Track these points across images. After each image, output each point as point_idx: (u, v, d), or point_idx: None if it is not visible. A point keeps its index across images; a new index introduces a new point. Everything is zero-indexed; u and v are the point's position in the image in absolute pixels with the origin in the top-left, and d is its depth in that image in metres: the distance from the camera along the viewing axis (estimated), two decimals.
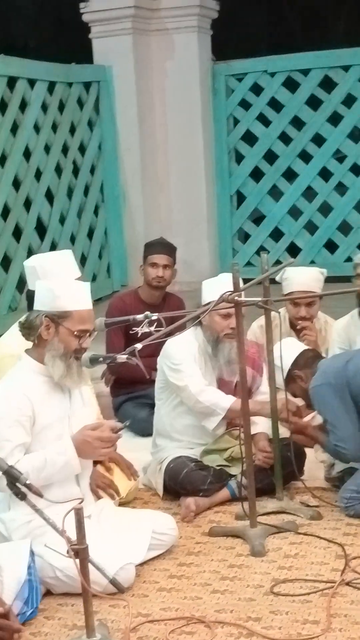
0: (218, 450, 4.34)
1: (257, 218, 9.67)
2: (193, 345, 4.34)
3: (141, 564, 3.61)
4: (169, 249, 5.56)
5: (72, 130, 8.72)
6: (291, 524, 3.95)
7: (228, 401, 4.27)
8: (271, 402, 4.22)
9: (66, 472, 3.54)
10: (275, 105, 9.34)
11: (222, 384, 4.38)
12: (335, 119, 9.19)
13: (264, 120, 9.39)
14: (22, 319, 3.64)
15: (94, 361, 3.68)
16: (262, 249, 9.06)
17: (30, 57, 8.37)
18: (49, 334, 3.54)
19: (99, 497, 3.91)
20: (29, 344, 3.64)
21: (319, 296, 4.88)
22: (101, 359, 3.72)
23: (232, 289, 3.78)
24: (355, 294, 4.47)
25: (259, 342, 4.51)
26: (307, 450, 4.51)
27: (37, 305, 3.59)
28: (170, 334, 3.94)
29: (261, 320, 4.98)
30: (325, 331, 5.04)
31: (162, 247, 5.56)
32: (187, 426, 4.41)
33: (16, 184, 7.88)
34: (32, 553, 3.37)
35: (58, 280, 3.75)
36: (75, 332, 3.53)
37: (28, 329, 3.59)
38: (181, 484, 4.21)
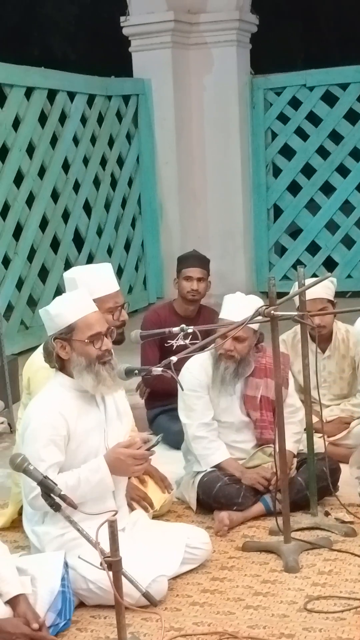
0: (252, 467, 4.33)
1: (294, 232, 9.66)
2: (208, 364, 4.29)
3: (174, 578, 3.60)
4: (203, 262, 5.56)
5: (111, 142, 8.78)
6: (325, 541, 3.92)
7: (217, 458, 4.26)
8: (307, 417, 4.20)
9: (100, 490, 3.53)
10: (313, 119, 9.34)
11: (246, 400, 4.36)
12: None
13: (301, 134, 9.40)
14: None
15: (129, 373, 3.69)
16: (298, 262, 9.08)
17: (70, 71, 8.44)
18: (66, 353, 3.54)
19: (132, 510, 3.90)
20: None
21: (346, 312, 4.84)
22: (136, 371, 3.73)
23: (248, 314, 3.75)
24: None
25: (285, 354, 4.46)
26: (342, 466, 4.48)
27: (48, 333, 3.60)
28: (204, 347, 3.94)
29: (283, 335, 4.97)
30: (348, 340, 5.02)
31: (196, 260, 5.56)
32: None
33: (55, 196, 7.95)
34: (65, 564, 3.37)
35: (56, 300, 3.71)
36: (87, 340, 3.51)
37: (48, 357, 3.60)
38: (215, 498, 4.19)
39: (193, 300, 5.48)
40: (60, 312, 3.56)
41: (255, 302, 4.21)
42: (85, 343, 3.51)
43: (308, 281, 4.27)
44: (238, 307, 4.25)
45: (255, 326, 4.26)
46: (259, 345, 4.35)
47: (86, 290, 3.94)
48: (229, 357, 4.21)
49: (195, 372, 4.31)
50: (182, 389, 4.24)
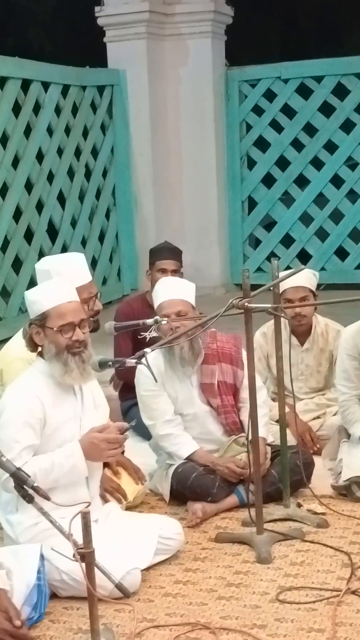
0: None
1: (268, 224, 9.67)
2: (159, 360, 4.29)
3: (147, 569, 3.61)
4: (176, 254, 5.55)
5: (85, 133, 8.74)
6: (298, 532, 3.94)
7: (186, 452, 4.28)
8: (280, 409, 4.22)
9: (74, 475, 3.55)
10: (288, 111, 9.35)
11: (204, 388, 4.36)
12: (347, 126, 9.19)
13: (276, 126, 9.40)
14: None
15: (103, 365, 3.70)
16: (272, 255, 9.07)
17: (45, 61, 8.39)
18: (40, 339, 3.60)
19: (106, 501, 3.91)
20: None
21: (326, 303, 4.87)
22: (110, 363, 3.74)
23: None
24: None
25: (237, 336, 4.47)
26: (315, 458, 4.51)
27: (30, 316, 3.64)
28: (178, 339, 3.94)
29: (264, 328, 4.99)
30: (327, 333, 5.03)
31: (169, 252, 5.55)
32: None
33: (28, 186, 7.90)
34: (42, 557, 3.37)
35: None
36: (56, 329, 3.54)
37: (26, 342, 3.64)
38: (190, 488, 4.20)
39: None
40: (37, 299, 3.61)
41: (188, 285, 4.32)
42: (55, 331, 3.54)
43: (284, 274, 4.28)
44: (172, 290, 4.29)
45: (193, 302, 4.29)
46: (210, 331, 4.34)
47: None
48: (174, 330, 4.17)
49: (147, 371, 4.32)
50: (156, 380, 4.24)
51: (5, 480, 3.36)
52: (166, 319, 4.14)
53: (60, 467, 3.51)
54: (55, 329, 3.54)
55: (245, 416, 4.33)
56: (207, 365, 4.36)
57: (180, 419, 4.35)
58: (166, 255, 5.48)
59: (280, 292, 4.77)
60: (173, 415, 4.34)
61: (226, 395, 4.37)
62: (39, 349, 3.65)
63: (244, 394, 4.33)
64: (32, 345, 3.64)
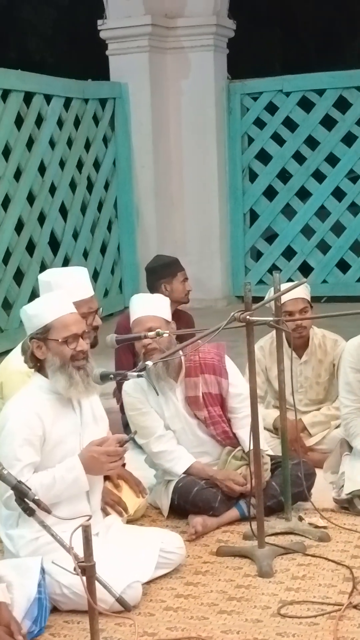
0: None
1: (270, 237, 9.69)
2: (142, 379, 4.23)
3: (148, 583, 3.60)
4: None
5: (87, 146, 8.77)
6: (299, 545, 3.93)
7: (182, 467, 4.26)
8: (281, 422, 4.21)
9: (75, 490, 3.54)
10: (289, 124, 9.38)
11: (189, 402, 4.34)
12: (349, 139, 9.23)
13: (278, 139, 9.43)
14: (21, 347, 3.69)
15: (104, 378, 3.69)
16: (274, 267, 9.11)
17: (47, 74, 8.42)
18: (42, 353, 3.56)
19: (107, 514, 3.90)
20: None
21: (329, 316, 4.87)
22: (112, 376, 3.73)
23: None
24: None
25: (220, 344, 4.46)
26: (317, 471, 4.49)
27: (27, 332, 3.62)
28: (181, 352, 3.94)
29: (261, 341, 4.99)
30: (325, 345, 5.03)
31: (179, 262, 5.65)
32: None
33: (30, 198, 7.92)
34: (42, 570, 3.36)
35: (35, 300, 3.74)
36: (61, 340, 3.52)
37: (25, 356, 3.62)
38: (192, 502, 4.19)
39: (187, 302, 5.55)
40: (37, 312, 3.59)
41: (160, 300, 4.33)
42: (59, 343, 3.53)
43: (284, 286, 4.29)
44: (143, 306, 4.28)
45: (167, 316, 4.29)
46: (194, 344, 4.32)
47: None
48: (150, 351, 4.16)
49: (131, 391, 4.32)
50: (158, 394, 4.25)
51: (7, 499, 3.35)
52: (167, 332, 4.14)
53: (62, 482, 3.49)
54: (60, 340, 3.53)
55: (237, 428, 4.33)
56: (190, 378, 4.34)
57: (172, 434, 4.33)
58: (180, 266, 5.60)
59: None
60: (164, 430, 4.32)
61: (212, 407, 4.34)
62: (33, 365, 3.62)
63: (232, 403, 4.34)
64: (33, 361, 3.61)
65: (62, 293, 3.73)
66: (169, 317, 4.31)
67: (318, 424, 4.99)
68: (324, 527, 4.09)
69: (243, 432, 4.26)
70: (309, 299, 4.95)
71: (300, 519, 4.18)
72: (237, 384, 4.36)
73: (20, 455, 3.45)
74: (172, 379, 4.29)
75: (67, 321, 3.56)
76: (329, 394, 5.05)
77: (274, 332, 4.50)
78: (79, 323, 3.60)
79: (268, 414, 4.86)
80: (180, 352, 4.07)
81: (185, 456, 4.29)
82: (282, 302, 4.74)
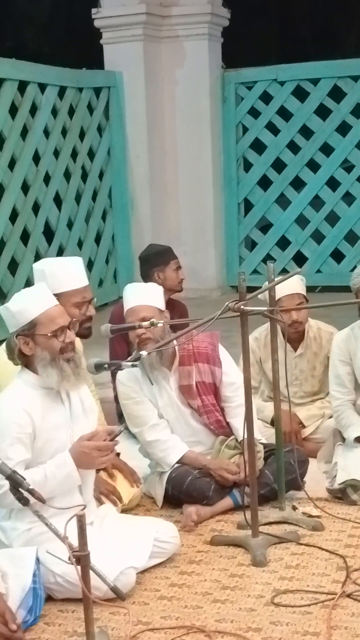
0: None
1: (264, 226, 9.68)
2: (137, 371, 4.26)
3: (142, 572, 3.61)
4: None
5: (82, 135, 8.74)
6: (293, 535, 3.94)
7: (175, 457, 4.27)
8: (275, 412, 4.22)
9: (67, 485, 3.53)
10: (284, 114, 9.36)
11: (183, 391, 4.34)
12: (343, 128, 9.21)
13: (272, 128, 9.41)
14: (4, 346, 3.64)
15: (98, 367, 3.70)
16: (268, 257, 9.10)
17: (42, 63, 8.39)
18: (30, 348, 3.52)
19: (101, 504, 3.91)
20: None
21: (323, 306, 4.87)
22: (106, 365, 3.73)
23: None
24: (358, 306, 4.48)
25: (213, 333, 4.46)
26: (311, 461, 4.51)
27: (10, 330, 3.57)
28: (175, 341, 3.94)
29: (255, 333, 5.00)
30: (320, 337, 5.04)
31: (172, 251, 5.66)
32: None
33: (25, 187, 7.90)
34: (37, 560, 3.36)
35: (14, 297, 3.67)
36: (50, 334, 3.49)
37: (10, 355, 3.58)
38: (186, 492, 4.20)
39: (180, 290, 5.57)
40: (21, 308, 3.53)
41: (153, 290, 4.33)
42: (48, 337, 3.50)
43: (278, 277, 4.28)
44: (137, 296, 4.29)
45: (161, 305, 4.29)
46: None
47: (55, 282, 3.94)
48: (144, 340, 4.16)
49: (125, 380, 4.32)
50: (152, 384, 4.25)
51: (0, 496, 3.35)
52: (161, 321, 4.14)
53: (53, 479, 3.48)
54: (49, 334, 3.50)
55: (231, 417, 4.34)
56: (184, 366, 4.34)
57: (165, 423, 4.33)
58: (173, 254, 5.59)
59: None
60: (157, 419, 4.32)
61: (206, 395, 4.35)
62: (21, 361, 3.58)
63: (226, 392, 4.35)
64: (21, 358, 3.56)
65: (42, 285, 3.69)
66: (162, 306, 4.31)
67: (313, 417, 5.00)
68: (318, 517, 4.11)
69: (236, 421, 4.27)
70: (305, 294, 4.94)
71: (294, 508, 4.20)
72: (230, 373, 4.37)
73: (10, 454, 3.41)
74: (165, 368, 4.30)
75: (52, 314, 3.52)
76: (323, 386, 5.05)
77: (269, 323, 4.51)
78: (63, 315, 3.57)
79: (265, 407, 4.85)
80: (175, 342, 4.08)
81: (179, 445, 4.30)
82: (278, 297, 4.75)
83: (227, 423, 4.37)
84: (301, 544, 3.87)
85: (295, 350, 5.02)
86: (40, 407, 3.54)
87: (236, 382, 4.27)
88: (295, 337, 5.01)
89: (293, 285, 4.76)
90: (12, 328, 3.55)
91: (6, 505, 3.35)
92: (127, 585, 3.42)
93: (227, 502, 4.25)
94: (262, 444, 4.34)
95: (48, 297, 3.59)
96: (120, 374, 4.34)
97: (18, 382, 3.60)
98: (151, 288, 4.41)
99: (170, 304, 5.60)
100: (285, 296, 4.79)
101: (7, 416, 3.49)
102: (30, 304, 3.54)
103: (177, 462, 4.27)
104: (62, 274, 4.05)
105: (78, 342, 4.18)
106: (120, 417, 5.45)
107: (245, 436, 3.84)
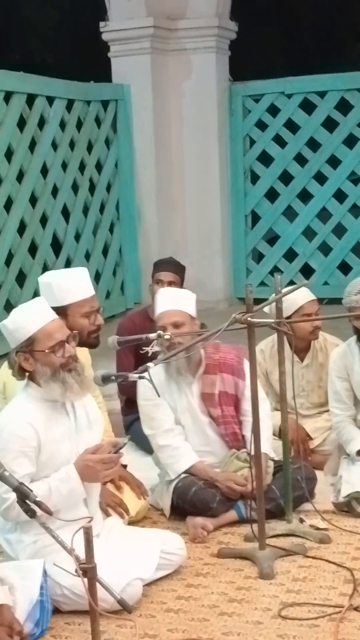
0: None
1: (272, 238, 9.68)
2: (159, 369, 4.24)
3: (149, 584, 3.61)
4: (176, 267, 5.58)
5: (90, 148, 8.76)
6: (300, 547, 3.94)
7: (184, 465, 4.26)
8: (282, 423, 4.22)
9: (72, 499, 3.53)
10: (291, 126, 9.38)
11: (205, 398, 4.35)
12: (350, 141, 9.21)
13: (280, 141, 9.43)
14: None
15: (106, 379, 3.70)
16: (275, 269, 9.11)
17: (48, 75, 8.43)
18: (30, 365, 3.52)
19: (108, 516, 3.90)
20: None
21: (333, 318, 4.89)
22: (113, 377, 3.74)
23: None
24: (353, 325, 4.48)
25: (239, 347, 4.47)
26: (317, 473, 4.50)
27: (10, 346, 3.57)
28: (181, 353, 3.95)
29: (261, 345, 5.00)
30: (326, 348, 5.04)
31: (169, 265, 5.59)
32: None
33: (33, 200, 7.92)
34: (44, 573, 3.36)
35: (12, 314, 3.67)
36: (47, 350, 3.48)
37: (12, 371, 3.57)
38: (190, 502, 4.20)
39: None
40: (18, 326, 3.53)
41: (186, 296, 4.34)
42: (47, 353, 3.49)
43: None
44: (170, 300, 4.30)
45: (193, 312, 4.30)
46: (214, 342, 4.34)
47: (62, 294, 3.95)
48: (174, 344, 4.14)
49: (149, 383, 4.32)
50: (159, 395, 4.25)
51: (4, 510, 3.36)
52: (169, 334, 4.14)
53: (58, 492, 3.48)
54: (46, 350, 3.49)
55: (247, 431, 4.32)
56: (208, 375, 4.36)
57: (180, 429, 4.33)
58: (165, 267, 5.52)
59: (297, 308, 4.81)
60: (173, 424, 4.32)
61: (227, 406, 4.36)
62: (22, 376, 3.58)
63: (246, 405, 4.32)
64: (22, 374, 3.56)
65: (39, 300, 3.69)
66: (194, 312, 4.33)
67: (320, 429, 5.00)
68: (325, 529, 4.10)
69: None
70: None
71: (301, 520, 4.19)
72: (248, 402, 4.38)
73: (15, 467, 3.39)
74: (190, 374, 4.31)
75: (50, 330, 3.51)
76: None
77: (274, 335, 4.52)
78: (62, 329, 3.56)
79: (272, 417, 4.85)
80: (183, 353, 4.08)
81: (189, 454, 4.29)
82: (299, 304, 4.80)
83: (243, 436, 4.36)
84: (308, 557, 3.86)
85: (302, 360, 5.02)
86: (44, 420, 3.53)
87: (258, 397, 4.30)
88: (302, 348, 5.01)
89: (309, 292, 4.83)
90: (12, 345, 3.55)
91: (12, 518, 3.34)
92: (134, 596, 3.42)
93: (231, 514, 4.24)
94: (273, 460, 4.34)
95: (45, 312, 3.58)
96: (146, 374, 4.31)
97: (22, 396, 3.60)
98: (184, 294, 4.43)
99: None
100: (307, 303, 4.84)
101: (12, 430, 3.48)
102: (26, 321, 3.53)
103: (186, 472, 4.26)
104: (68, 285, 4.05)
105: (85, 352, 4.19)
106: (128, 430, 5.46)
107: (253, 447, 3.84)
